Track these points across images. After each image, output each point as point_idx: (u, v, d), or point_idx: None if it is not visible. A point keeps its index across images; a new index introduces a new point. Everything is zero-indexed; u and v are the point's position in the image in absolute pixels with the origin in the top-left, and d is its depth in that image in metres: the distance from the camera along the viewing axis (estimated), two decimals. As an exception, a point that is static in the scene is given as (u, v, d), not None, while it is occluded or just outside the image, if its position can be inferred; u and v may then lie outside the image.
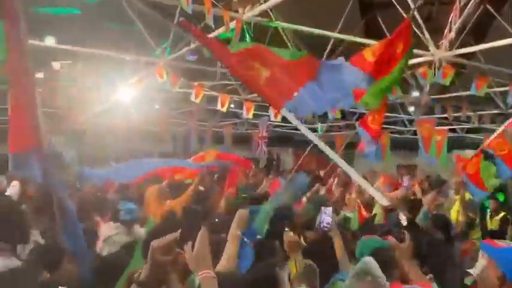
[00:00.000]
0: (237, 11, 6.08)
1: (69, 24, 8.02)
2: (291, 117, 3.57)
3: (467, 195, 6.21)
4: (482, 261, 2.21)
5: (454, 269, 4.17)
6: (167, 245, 1.48)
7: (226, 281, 1.87)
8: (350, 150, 11.10)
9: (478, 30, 8.31)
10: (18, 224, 3.02)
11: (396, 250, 2.69)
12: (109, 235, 4.39)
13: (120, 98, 10.34)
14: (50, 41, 7.98)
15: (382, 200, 3.45)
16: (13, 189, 4.86)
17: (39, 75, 10.48)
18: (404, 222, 4.34)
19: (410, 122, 14.37)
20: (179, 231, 1.56)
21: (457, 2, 6.36)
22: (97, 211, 5.13)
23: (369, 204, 6.21)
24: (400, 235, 2.93)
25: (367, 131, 5.52)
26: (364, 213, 5.63)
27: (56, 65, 9.28)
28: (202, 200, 5.74)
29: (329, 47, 8.08)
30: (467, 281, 2.32)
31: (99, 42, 8.17)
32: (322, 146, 3.43)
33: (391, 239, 2.79)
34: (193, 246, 1.77)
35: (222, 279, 1.82)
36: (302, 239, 3.41)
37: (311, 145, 9.60)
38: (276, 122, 11.38)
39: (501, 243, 2.35)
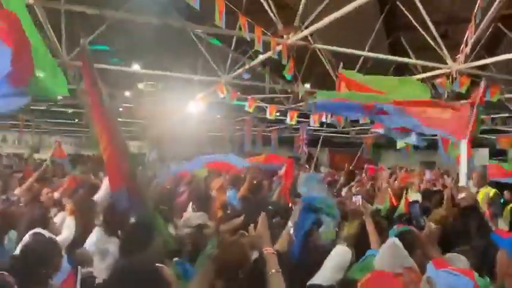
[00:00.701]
0: (282, 37, 5.92)
1: (150, 54, 8.15)
2: None
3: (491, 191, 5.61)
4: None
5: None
6: (233, 228, 1.63)
7: (282, 257, 1.84)
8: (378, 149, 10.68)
9: (491, 44, 7.70)
10: None
11: (419, 237, 2.51)
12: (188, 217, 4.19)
13: (190, 110, 10.46)
14: (135, 67, 8.13)
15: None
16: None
17: (128, 93, 10.77)
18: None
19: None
20: (243, 217, 1.70)
21: (472, 22, 5.87)
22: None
23: (397, 194, 5.85)
24: (419, 224, 2.89)
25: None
26: (394, 201, 5.35)
27: (140, 85, 9.51)
28: (256, 191, 5.60)
29: (359, 63, 7.76)
30: None
31: (173, 66, 8.26)
32: None
33: (412, 229, 2.64)
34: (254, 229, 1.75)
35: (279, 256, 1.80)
36: None
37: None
38: (315, 127, 11.12)
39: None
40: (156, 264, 1.40)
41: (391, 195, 5.11)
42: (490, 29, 7.18)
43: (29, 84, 2.50)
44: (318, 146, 6.33)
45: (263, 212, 1.65)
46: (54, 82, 2.74)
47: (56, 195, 4.60)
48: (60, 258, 2.32)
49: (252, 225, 1.59)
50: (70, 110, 14.36)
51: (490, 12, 5.82)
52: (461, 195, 3.38)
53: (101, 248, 2.94)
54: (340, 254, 2.27)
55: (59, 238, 3.04)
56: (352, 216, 3.20)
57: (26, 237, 2.72)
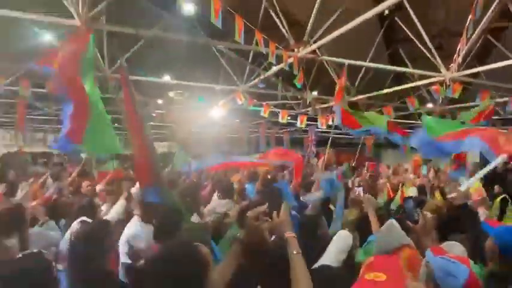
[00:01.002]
0: (293, 50, 5.98)
1: (179, 66, 8.29)
2: None
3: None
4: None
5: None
6: (258, 214, 1.54)
7: None
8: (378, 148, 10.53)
9: (482, 54, 7.57)
10: None
11: (413, 230, 2.38)
12: (214, 206, 4.23)
13: (213, 115, 10.59)
14: (166, 78, 8.29)
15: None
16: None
17: (160, 101, 10.98)
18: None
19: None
20: (266, 205, 1.59)
21: (464, 34, 5.80)
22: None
23: (394, 188, 5.83)
24: (413, 218, 2.84)
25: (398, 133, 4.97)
26: (391, 194, 5.35)
27: (170, 93, 9.68)
28: (270, 184, 5.67)
29: (362, 72, 7.72)
30: None
31: (198, 77, 8.40)
32: None
33: (407, 223, 2.51)
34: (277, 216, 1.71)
35: None
36: None
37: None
38: (322, 129, 11.09)
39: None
40: (194, 243, 1.31)
41: (389, 188, 5.11)
42: (481, 41, 7.07)
43: (83, 143, 2.82)
44: (328, 146, 6.30)
45: (285, 201, 1.63)
46: (109, 142, 3.07)
47: (99, 187, 4.69)
48: (111, 238, 2.35)
49: (275, 212, 1.58)
50: (110, 116, 14.67)
51: (480, 25, 5.76)
52: (453, 195, 3.28)
53: (139, 234, 2.95)
54: (342, 237, 2.27)
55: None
56: (352, 204, 3.21)
57: (75, 224, 2.81)
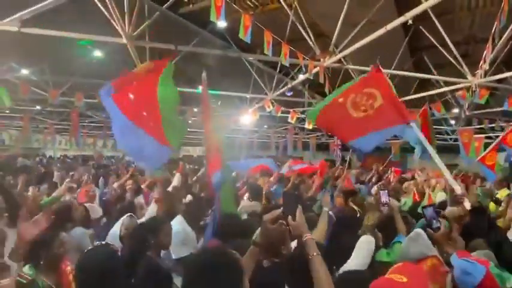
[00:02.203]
0: (319, 60, 5.94)
1: (213, 77, 8.47)
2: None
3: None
4: None
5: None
6: (274, 218, 1.49)
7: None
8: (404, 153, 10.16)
9: (509, 59, 7.11)
10: None
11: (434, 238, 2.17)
12: (243, 205, 4.27)
13: (243, 121, 10.71)
14: (200, 88, 8.45)
15: (457, 188, 2.98)
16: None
17: (195, 109, 11.27)
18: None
19: (452, 131, 13.20)
20: (281, 208, 1.54)
21: (490, 40, 5.49)
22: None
23: (420, 192, 5.58)
24: (433, 226, 2.53)
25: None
26: (416, 198, 5.13)
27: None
28: (297, 188, 5.62)
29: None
30: None
31: (230, 87, 8.54)
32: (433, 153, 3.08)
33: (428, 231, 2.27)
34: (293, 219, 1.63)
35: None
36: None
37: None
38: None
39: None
40: (230, 251, 1.26)
41: (415, 191, 4.90)
42: (508, 46, 6.66)
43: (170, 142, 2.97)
44: (350, 151, 6.19)
45: (299, 205, 1.57)
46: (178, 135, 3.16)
47: (143, 186, 4.95)
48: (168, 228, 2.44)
49: (290, 216, 1.51)
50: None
51: (507, 32, 5.43)
52: (467, 204, 3.08)
53: (182, 233, 2.91)
54: (366, 242, 2.22)
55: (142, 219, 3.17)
56: (369, 208, 3.09)
57: (126, 219, 2.90)
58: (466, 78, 6.30)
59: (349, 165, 10.77)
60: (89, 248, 1.91)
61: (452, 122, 11.96)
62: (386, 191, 3.16)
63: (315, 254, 1.38)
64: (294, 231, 1.47)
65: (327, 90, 6.31)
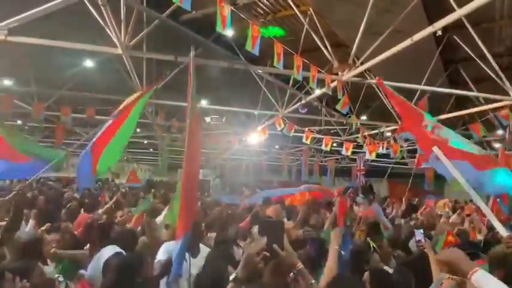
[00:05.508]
0: (337, 74, 6.01)
1: (216, 91, 8.62)
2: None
3: None
4: None
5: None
6: (259, 250, 1.62)
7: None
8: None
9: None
10: None
11: None
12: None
13: (251, 141, 10.78)
14: (203, 103, 8.63)
15: (501, 230, 2.90)
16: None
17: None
18: None
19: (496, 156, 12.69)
20: (265, 240, 1.63)
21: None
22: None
23: (455, 232, 5.47)
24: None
25: None
26: (451, 239, 5.03)
27: (207, 119, 10.07)
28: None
29: (417, 95, 7.46)
30: None
31: (236, 102, 8.67)
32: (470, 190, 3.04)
33: None
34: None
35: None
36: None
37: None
38: (372, 157, 10.81)
39: None
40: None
41: (450, 231, 4.82)
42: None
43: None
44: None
45: (286, 237, 1.73)
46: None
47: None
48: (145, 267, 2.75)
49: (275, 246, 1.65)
50: (145, 141, 15.49)
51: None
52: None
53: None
54: None
55: None
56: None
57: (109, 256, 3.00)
58: (509, 96, 6.28)
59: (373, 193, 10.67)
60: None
61: (497, 145, 11.77)
62: (421, 231, 3.21)
63: (312, 282, 1.67)
64: (284, 262, 1.65)
65: (340, 108, 6.35)
